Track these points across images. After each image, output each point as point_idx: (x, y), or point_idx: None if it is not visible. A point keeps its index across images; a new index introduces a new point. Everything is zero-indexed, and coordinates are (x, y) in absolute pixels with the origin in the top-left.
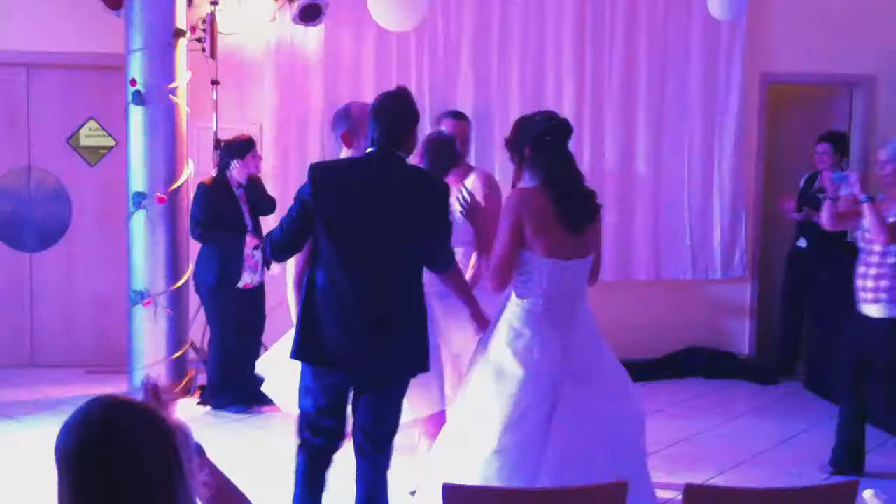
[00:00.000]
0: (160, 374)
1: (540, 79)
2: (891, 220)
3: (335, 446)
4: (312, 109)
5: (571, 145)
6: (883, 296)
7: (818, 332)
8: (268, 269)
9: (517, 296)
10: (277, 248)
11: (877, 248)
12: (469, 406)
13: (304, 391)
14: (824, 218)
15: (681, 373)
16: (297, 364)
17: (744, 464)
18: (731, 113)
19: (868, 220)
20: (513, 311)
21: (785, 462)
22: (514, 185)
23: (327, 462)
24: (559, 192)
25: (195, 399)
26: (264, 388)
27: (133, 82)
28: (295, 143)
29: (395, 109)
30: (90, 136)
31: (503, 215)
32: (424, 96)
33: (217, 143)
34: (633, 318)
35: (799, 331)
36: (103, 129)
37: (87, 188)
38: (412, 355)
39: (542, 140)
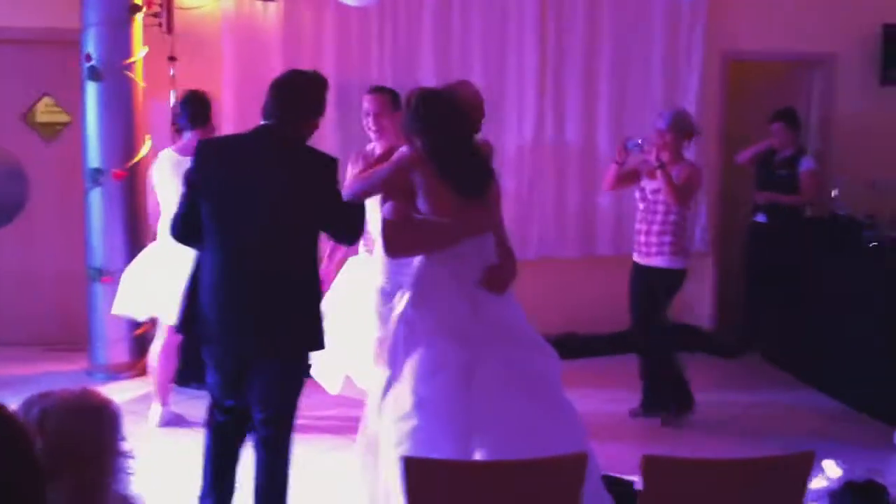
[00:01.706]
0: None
1: (501, 56)
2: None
3: (238, 427)
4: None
5: (534, 122)
6: (665, 248)
7: (778, 304)
8: None
9: (419, 258)
10: (174, 230)
11: (660, 207)
12: (384, 370)
13: (206, 369)
14: (606, 180)
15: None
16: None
17: (705, 436)
18: (692, 90)
19: (661, 184)
20: (419, 271)
21: (746, 434)
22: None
23: (232, 443)
24: (448, 158)
25: None
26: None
27: (88, 57)
28: (253, 119)
29: (281, 85)
30: (45, 112)
31: (390, 177)
32: (386, 71)
33: (174, 118)
34: (597, 293)
35: (761, 304)
36: (59, 105)
37: (43, 165)
38: (288, 336)
39: (420, 115)
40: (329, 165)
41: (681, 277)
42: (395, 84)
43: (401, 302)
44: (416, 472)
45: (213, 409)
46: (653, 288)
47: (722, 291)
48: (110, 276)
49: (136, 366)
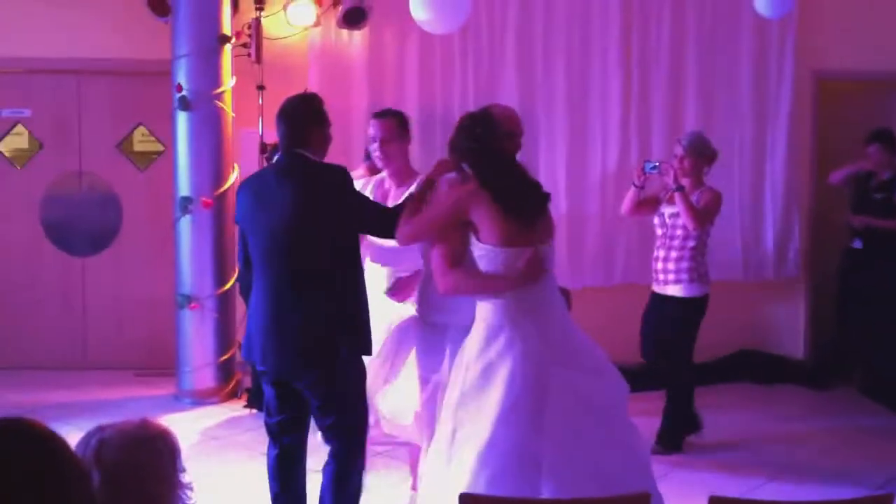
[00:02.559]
0: (207, 377)
1: (585, 78)
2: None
3: (295, 441)
4: (356, 113)
5: (619, 144)
6: (683, 276)
7: (874, 335)
8: None
9: None
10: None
11: (679, 232)
12: (456, 407)
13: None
14: (625, 204)
15: (732, 377)
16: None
17: (793, 470)
18: (782, 110)
19: (679, 208)
20: (485, 307)
21: (835, 469)
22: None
23: (291, 456)
24: (495, 184)
25: (242, 402)
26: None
27: (179, 88)
28: (339, 147)
29: (287, 112)
30: (141, 141)
31: (446, 192)
32: (469, 97)
33: (263, 147)
34: None
35: (854, 334)
36: (153, 134)
37: (136, 193)
38: (329, 346)
39: (471, 137)
40: (340, 172)
41: (702, 305)
42: (478, 108)
43: (472, 342)
44: None
45: (269, 425)
46: (670, 319)
47: (814, 318)
48: (198, 303)
49: (221, 391)
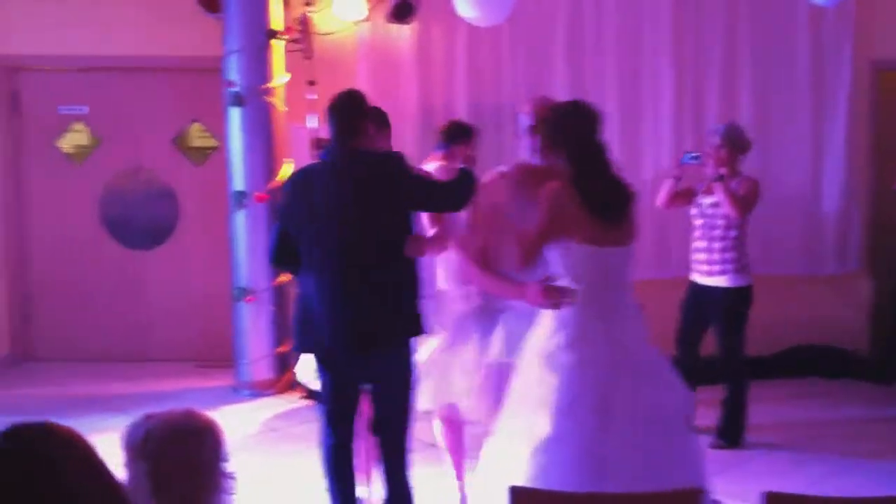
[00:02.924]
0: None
1: (637, 71)
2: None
3: (350, 434)
4: (406, 107)
5: (672, 140)
6: (729, 266)
7: None
8: None
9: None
10: (271, 255)
11: (720, 222)
12: (518, 400)
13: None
14: (661, 196)
15: (792, 371)
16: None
17: (855, 465)
18: (840, 102)
19: (720, 197)
20: (567, 313)
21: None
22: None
23: (347, 450)
24: (584, 182)
25: (298, 394)
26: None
27: (231, 84)
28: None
29: (339, 108)
30: (197, 137)
31: (541, 201)
32: (519, 89)
33: (315, 142)
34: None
35: None
36: (208, 130)
37: (192, 188)
38: (393, 327)
39: (562, 131)
40: (394, 158)
41: (748, 295)
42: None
43: (538, 334)
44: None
45: (326, 414)
46: (718, 310)
47: (876, 312)
48: (254, 296)
49: (278, 383)
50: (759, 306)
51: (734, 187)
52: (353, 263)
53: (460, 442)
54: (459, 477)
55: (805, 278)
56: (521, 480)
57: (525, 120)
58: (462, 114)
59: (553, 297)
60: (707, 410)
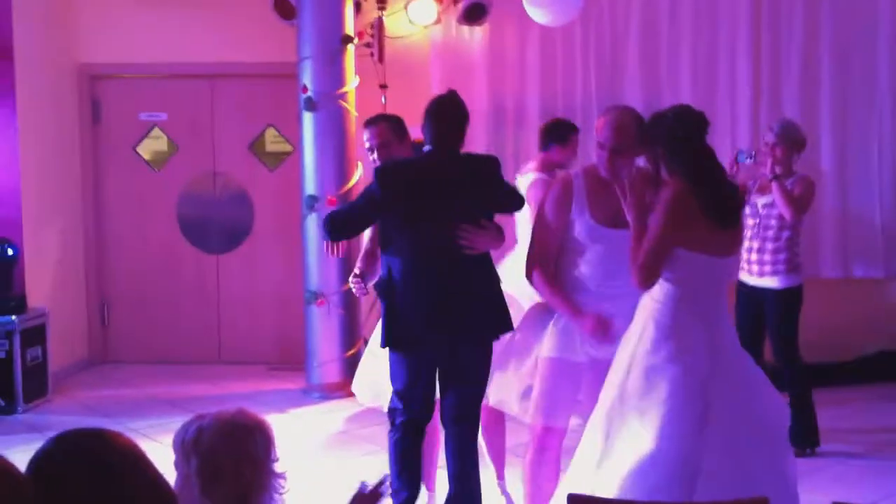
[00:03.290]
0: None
1: (712, 72)
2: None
3: (422, 428)
4: (478, 109)
5: (749, 141)
6: (781, 267)
7: None
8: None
9: (665, 293)
10: (335, 228)
11: (773, 222)
12: (611, 410)
13: (397, 374)
14: None
15: (873, 378)
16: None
17: None
18: None
19: (776, 197)
20: (658, 309)
21: None
22: (648, 183)
23: (417, 444)
24: (702, 189)
25: None
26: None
27: (304, 89)
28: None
29: (447, 111)
30: (272, 142)
31: (658, 210)
32: (591, 90)
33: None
34: (821, 318)
35: None
36: (282, 135)
37: (267, 192)
38: (489, 317)
39: (675, 137)
40: (494, 160)
41: (799, 296)
42: (600, 103)
43: (639, 344)
44: None
45: (401, 412)
46: (766, 310)
47: None
48: (324, 299)
49: (348, 386)
50: (840, 310)
51: (789, 186)
52: (451, 253)
53: (502, 441)
54: (500, 476)
55: (887, 281)
56: (615, 494)
57: (598, 135)
58: (533, 115)
59: (603, 334)
60: None
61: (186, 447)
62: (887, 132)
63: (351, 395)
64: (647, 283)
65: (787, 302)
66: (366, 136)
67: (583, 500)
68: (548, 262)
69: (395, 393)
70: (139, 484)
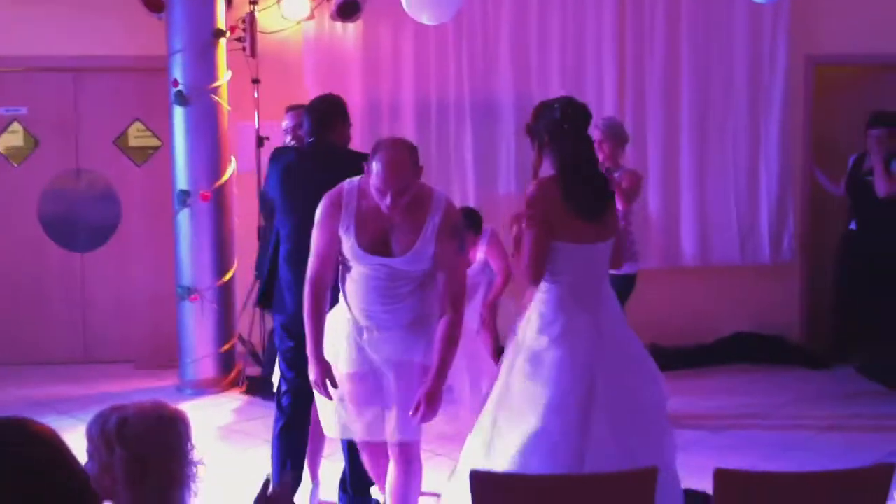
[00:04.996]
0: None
1: (580, 67)
2: None
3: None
4: (352, 104)
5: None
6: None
7: (873, 315)
8: None
9: (546, 282)
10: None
11: None
12: (503, 395)
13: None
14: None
15: (730, 358)
16: None
17: (791, 450)
18: (776, 95)
19: None
20: (541, 298)
21: (833, 448)
22: (534, 173)
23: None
24: (576, 179)
25: (242, 389)
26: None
27: (175, 83)
28: None
29: (322, 107)
30: (137, 136)
31: (529, 209)
32: (464, 87)
33: (259, 140)
34: (680, 304)
35: (852, 315)
36: (149, 129)
37: (135, 188)
38: None
39: (560, 127)
40: (353, 157)
41: (631, 283)
42: (473, 99)
43: (526, 331)
44: (484, 486)
45: (289, 384)
46: None
47: (812, 300)
48: (198, 295)
49: (223, 381)
50: (698, 296)
51: (618, 179)
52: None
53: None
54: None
55: (743, 268)
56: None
57: (375, 180)
58: (408, 111)
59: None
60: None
61: (108, 436)
62: (743, 124)
63: (226, 390)
64: (535, 280)
65: (619, 286)
66: (286, 120)
67: (483, 476)
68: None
69: (283, 360)
70: (61, 477)
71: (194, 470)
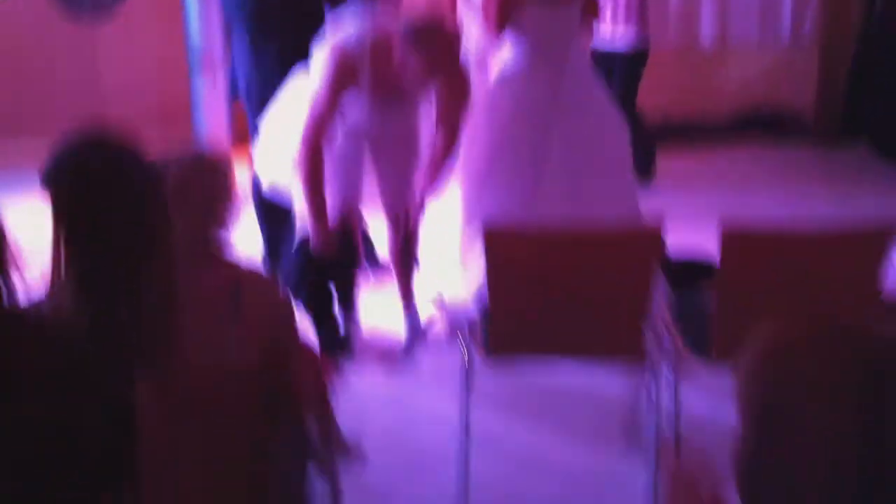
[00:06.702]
0: None
1: None
2: None
3: None
4: None
5: None
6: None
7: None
8: None
9: (509, 44)
10: None
11: None
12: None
13: None
14: None
15: (743, 135)
16: None
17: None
18: None
19: None
20: (504, 59)
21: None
22: None
23: None
24: None
25: None
26: None
27: None
28: None
29: None
30: None
31: None
32: None
33: None
34: (698, 82)
35: (868, 89)
36: None
37: None
38: None
39: None
40: None
41: (641, 61)
42: None
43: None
44: (496, 240)
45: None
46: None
47: (829, 85)
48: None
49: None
50: (715, 75)
51: None
52: None
53: None
54: None
55: (761, 48)
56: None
57: None
58: None
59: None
60: None
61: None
62: None
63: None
64: (497, 30)
65: (627, 68)
66: None
67: (498, 231)
68: None
69: None
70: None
71: (235, 211)
